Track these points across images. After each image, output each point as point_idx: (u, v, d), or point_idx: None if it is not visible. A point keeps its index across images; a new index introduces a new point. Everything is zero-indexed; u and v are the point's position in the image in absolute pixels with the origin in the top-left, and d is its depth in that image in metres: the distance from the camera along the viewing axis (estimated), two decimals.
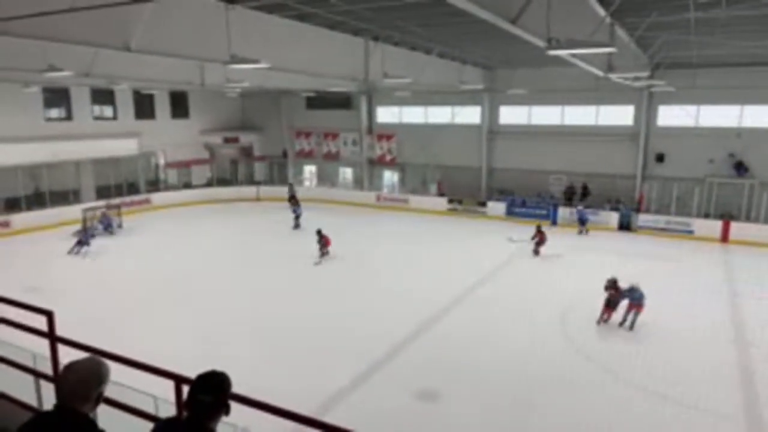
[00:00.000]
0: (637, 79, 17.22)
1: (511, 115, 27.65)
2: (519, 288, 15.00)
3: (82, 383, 2.32)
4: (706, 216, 22.79)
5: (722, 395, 9.20)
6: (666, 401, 8.93)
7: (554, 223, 23.84)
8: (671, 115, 24.14)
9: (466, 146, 28.57)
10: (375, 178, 32.06)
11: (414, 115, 30.17)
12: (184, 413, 2.49)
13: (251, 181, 32.01)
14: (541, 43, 8.22)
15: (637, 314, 11.98)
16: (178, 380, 3.06)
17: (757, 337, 11.72)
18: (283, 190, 29.14)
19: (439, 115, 29.50)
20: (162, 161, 29.86)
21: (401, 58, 18.29)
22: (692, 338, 11.60)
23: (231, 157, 32.99)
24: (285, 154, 33.81)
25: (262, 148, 34.28)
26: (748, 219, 22.34)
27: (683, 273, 16.55)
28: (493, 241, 20.72)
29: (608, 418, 8.50)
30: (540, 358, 10.50)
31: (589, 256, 18.55)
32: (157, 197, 27.32)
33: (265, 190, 29.93)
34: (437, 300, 13.75)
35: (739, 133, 22.81)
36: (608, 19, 11.86)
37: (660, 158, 24.35)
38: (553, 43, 7.90)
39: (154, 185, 29.22)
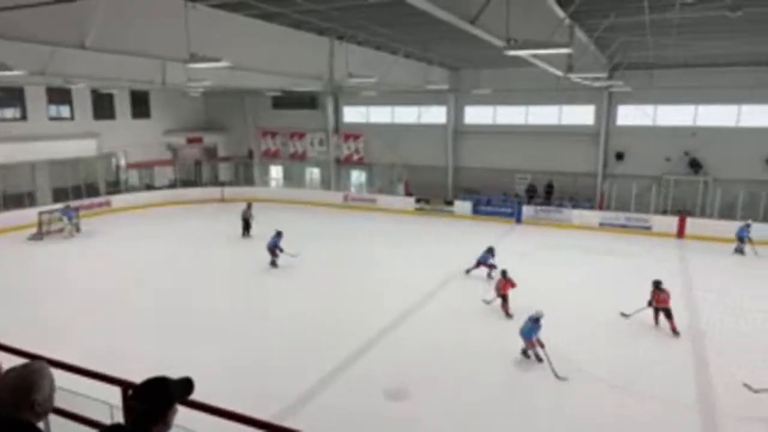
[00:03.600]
0: (596, 79, 17.65)
1: (476, 114, 28.00)
2: (487, 286, 15.16)
3: (11, 391, 2.23)
4: (664, 212, 23.55)
5: (679, 385, 9.51)
6: (628, 393, 9.18)
7: (518, 221, 24.23)
8: (630, 115, 24.87)
9: (433, 146, 28.80)
10: (342, 178, 31.99)
11: (381, 114, 30.23)
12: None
13: (216, 182, 31.50)
14: (500, 44, 8.34)
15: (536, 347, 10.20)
16: (125, 386, 2.98)
17: (710, 328, 12.16)
18: (248, 191, 28.83)
19: (406, 114, 29.64)
20: (123, 162, 29.09)
21: (366, 57, 18.29)
22: (650, 330, 11.95)
23: (194, 157, 32.39)
24: (250, 155, 33.40)
25: (226, 149, 33.76)
26: (702, 214, 23.19)
27: (642, 267, 17.02)
28: (461, 240, 20.94)
29: (577, 412, 8.69)
30: (508, 355, 10.64)
31: (553, 253, 18.93)
32: (118, 199, 26.60)
33: (230, 191, 29.49)
34: (407, 298, 13.81)
35: (693, 132, 23.66)
36: (567, 21, 12.12)
37: (619, 156, 25.07)
38: (512, 43, 8.02)
39: (115, 187, 28.44)
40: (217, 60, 10.52)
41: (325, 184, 31.78)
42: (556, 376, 9.67)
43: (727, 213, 22.59)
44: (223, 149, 33.74)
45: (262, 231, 20.69)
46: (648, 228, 22.30)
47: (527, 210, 24.44)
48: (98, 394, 3.73)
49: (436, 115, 28.82)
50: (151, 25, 10.89)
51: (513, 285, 13.06)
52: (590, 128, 25.49)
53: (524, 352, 10.45)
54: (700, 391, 9.37)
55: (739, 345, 11.21)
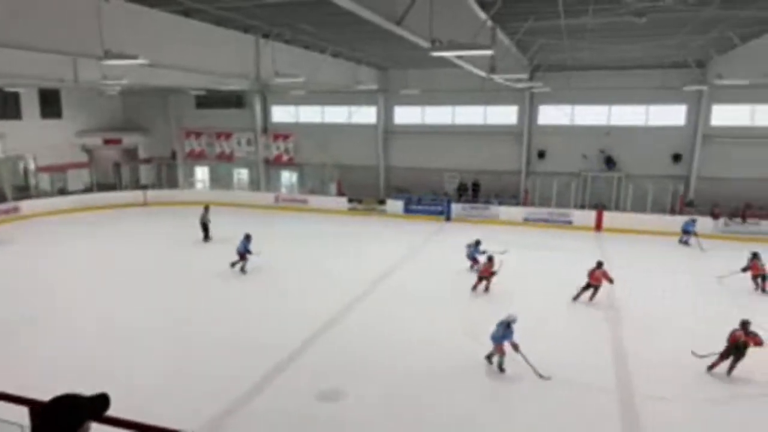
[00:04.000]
0: (518, 80, 18.36)
1: (405, 115, 28.37)
2: (419, 283, 15.39)
3: None
4: (582, 207, 24.88)
5: (599, 369, 10.06)
6: (553, 380, 9.58)
7: (449, 218, 24.78)
8: (550, 115, 26.08)
9: (364, 146, 28.89)
10: (272, 179, 31.41)
11: (311, 114, 29.96)
12: None
13: (137, 185, 30.00)
14: (425, 45, 8.48)
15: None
16: (33, 406, 2.76)
17: (628, 315, 12.96)
18: (172, 194, 27.73)
19: (337, 114, 29.55)
20: (32, 165, 27.07)
21: (294, 56, 18.04)
22: (572, 318, 12.58)
23: (113, 159, 30.69)
24: (174, 156, 32.08)
25: (148, 150, 32.24)
26: (617, 208, 24.70)
27: (564, 260, 17.88)
28: (393, 238, 21.14)
29: (508, 404, 8.99)
30: (440, 352, 10.83)
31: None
32: (28, 205, 24.69)
33: (153, 194, 28.16)
34: (339, 298, 13.75)
35: (608, 130, 25.16)
36: (489, 23, 12.51)
37: (541, 155, 26.23)
38: (436, 44, 8.17)
39: (24, 192, 26.40)
40: (134, 57, 10.02)
41: (255, 185, 31.07)
42: (540, 375, 9.44)
43: (639, 206, 24.21)
44: (144, 150, 32.18)
45: (198, 234, 20.01)
46: (569, 222, 23.45)
47: (456, 207, 25.05)
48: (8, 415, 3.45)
49: (366, 115, 28.92)
50: (61, 18, 10.17)
51: (492, 270, 14.28)
52: (513, 128, 26.49)
53: (488, 358, 10.05)
54: (620, 376, 9.95)
55: (653, 326, 12.02)
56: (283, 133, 30.37)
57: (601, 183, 25.58)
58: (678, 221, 21.19)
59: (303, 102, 29.18)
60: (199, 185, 32.11)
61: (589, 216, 23.33)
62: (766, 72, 14.66)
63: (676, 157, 24.42)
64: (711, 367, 9.95)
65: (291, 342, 11.07)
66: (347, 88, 23.19)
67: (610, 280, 13.47)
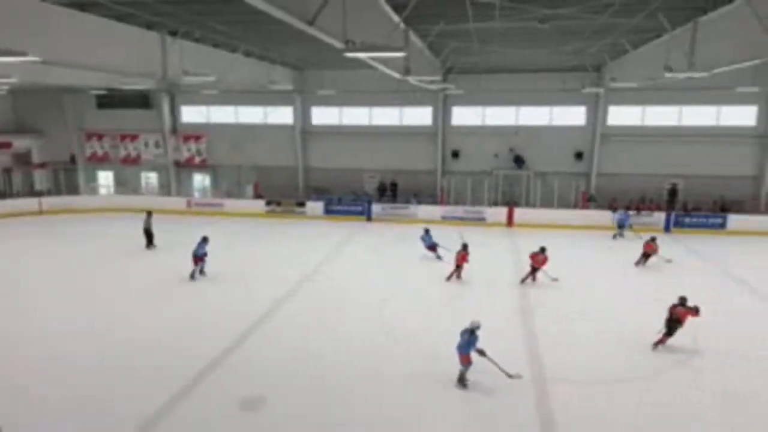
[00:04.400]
0: (432, 82, 18.79)
1: (323, 115, 28.18)
2: (339, 284, 15.33)
3: None
4: (495, 204, 25.93)
5: (512, 354, 10.48)
6: (472, 370, 9.87)
7: (369, 218, 24.92)
8: (463, 116, 26.95)
9: (281, 146, 28.39)
10: (184, 183, 30.07)
11: (224, 114, 28.99)
12: None
13: (31, 192, 27.60)
14: (339, 45, 8.45)
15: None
16: None
17: (539, 302, 13.63)
18: (72, 200, 25.81)
19: (251, 114, 28.80)
20: None
21: (204, 55, 17.39)
22: (486, 309, 13.03)
23: (2, 165, 28.02)
24: (73, 160, 29.84)
25: (43, 154, 29.72)
26: (527, 204, 25.98)
27: (480, 255, 18.53)
28: (315, 239, 20.93)
29: (431, 398, 9.13)
30: (359, 352, 10.84)
31: (403, 246, 19.77)
32: None
33: (50, 201, 26.03)
34: (261, 303, 13.40)
35: (516, 130, 26.37)
36: (402, 26, 12.69)
37: (456, 154, 27.06)
38: (350, 45, 8.16)
39: None
40: (23, 54, 9.16)
41: (165, 189, 29.60)
42: (509, 375, 9.20)
43: (546, 202, 25.62)
44: (38, 155, 29.64)
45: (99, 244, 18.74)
46: (483, 219, 24.35)
47: (377, 207, 25.23)
48: None
49: (282, 115, 28.42)
50: None
51: (467, 259, 15.23)
52: (429, 128, 27.12)
53: (461, 380, 9.34)
54: (532, 357, 10.44)
55: (568, 315, 12.73)
56: (194, 134, 29.14)
57: (511, 180, 26.81)
58: (584, 215, 22.70)
59: (215, 102, 28.18)
60: (102, 190, 30.09)
61: (501, 213, 24.35)
62: (654, 76, 15.98)
63: (579, 155, 26.07)
64: (656, 344, 10.74)
65: (212, 349, 10.67)
66: (262, 88, 22.66)
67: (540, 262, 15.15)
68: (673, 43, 13.85)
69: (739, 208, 23.94)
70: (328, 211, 25.44)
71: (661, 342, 10.77)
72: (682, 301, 10.75)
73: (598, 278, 16.17)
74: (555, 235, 21.80)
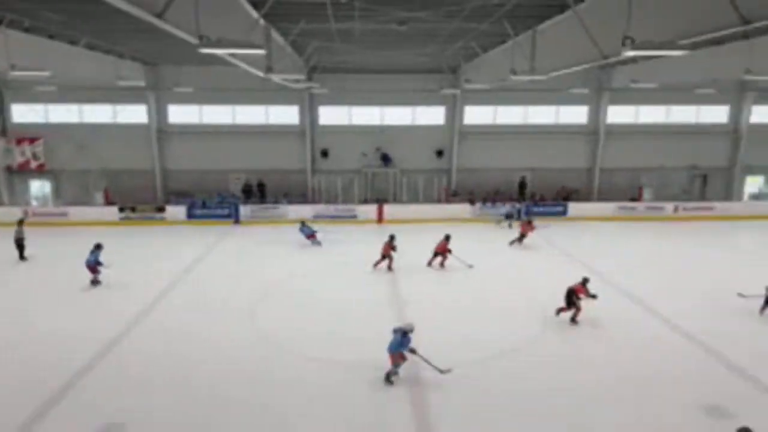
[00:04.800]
0: (296, 81, 18.59)
1: (181, 114, 26.57)
2: (206, 291, 14.56)
3: None
4: (365, 202, 26.45)
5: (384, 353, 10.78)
6: (339, 366, 9.97)
7: (237, 221, 24.02)
8: (330, 115, 27.07)
9: (135, 148, 26.27)
10: (18, 191, 26.56)
11: (65, 113, 26.06)
12: None
13: None
14: (192, 40, 7.99)
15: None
16: None
17: (413, 297, 14.10)
18: None
19: (99, 113, 26.22)
20: None
21: (36, 47, 15.48)
22: (359, 308, 13.25)
23: None
24: None
25: None
26: (395, 201, 26.86)
27: (354, 250, 18.78)
28: (177, 246, 19.68)
29: (298, 401, 9.02)
30: (231, 358, 10.41)
31: (274, 248, 19.35)
32: None
33: None
34: (119, 318, 12.25)
35: (382, 130, 27.11)
36: (262, 22, 12.38)
37: (325, 153, 27.12)
38: (204, 40, 7.76)
39: None
40: None
41: None
42: (441, 371, 9.33)
43: (413, 198, 26.72)
44: None
45: None
46: (354, 216, 24.70)
47: (245, 209, 24.40)
48: None
49: (135, 114, 26.27)
50: None
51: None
52: (296, 127, 26.83)
53: (388, 377, 9.42)
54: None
55: (434, 311, 13.32)
56: (28, 135, 25.84)
57: (380, 178, 27.51)
58: (448, 208, 24.00)
59: (54, 99, 25.25)
60: None
61: (371, 210, 24.88)
62: (502, 78, 17.34)
63: (440, 153, 27.52)
64: (558, 312, 12.34)
65: (64, 368, 9.61)
66: (109, 85, 20.74)
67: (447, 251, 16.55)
68: (516, 49, 15.14)
69: (577, 196, 26.98)
70: (192, 216, 24.06)
71: (563, 310, 12.29)
72: (584, 281, 12.19)
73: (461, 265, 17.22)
74: (422, 229, 22.81)
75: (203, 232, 22.07)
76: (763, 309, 12.72)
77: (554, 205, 25.62)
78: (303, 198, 26.67)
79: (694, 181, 28.09)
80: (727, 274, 15.92)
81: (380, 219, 24.57)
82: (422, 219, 24.07)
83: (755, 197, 28.37)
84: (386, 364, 9.44)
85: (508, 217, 23.21)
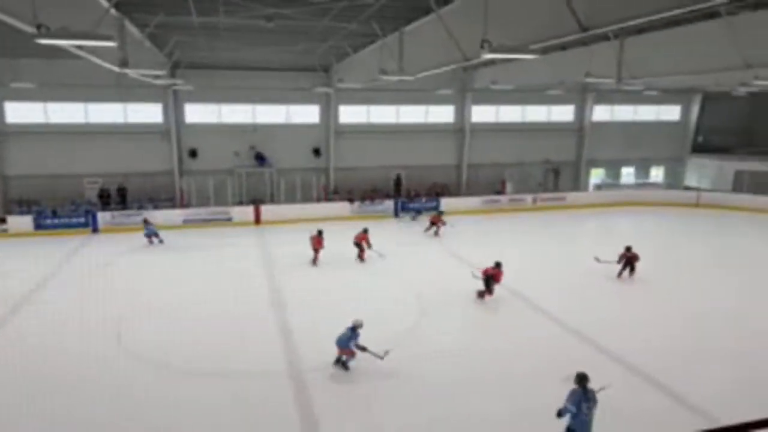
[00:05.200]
0: (157, 77, 17.34)
1: (21, 112, 23.52)
2: (62, 309, 13.04)
3: None
4: (240, 203, 25.50)
5: (268, 355, 10.48)
6: (217, 376, 9.53)
7: (95, 230, 21.89)
8: (198, 113, 25.67)
9: None
10: None
11: None
12: None
13: None
14: (28, 29, 7.06)
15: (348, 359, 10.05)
16: None
17: (295, 301, 13.83)
18: None
19: None
20: None
21: None
22: (240, 311, 12.75)
23: None
24: None
25: None
26: (272, 201, 26.21)
27: (228, 254, 17.99)
28: (22, 262, 17.43)
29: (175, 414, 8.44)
30: (94, 379, 9.46)
31: (136, 257, 17.94)
32: None
33: None
34: None
35: (255, 128, 26.29)
36: (114, 12, 11.38)
37: (193, 153, 25.67)
38: (43, 30, 6.89)
39: None
40: None
41: None
42: (381, 357, 9.72)
43: (291, 198, 26.26)
44: None
45: None
46: (229, 219, 23.71)
47: (103, 217, 22.28)
48: None
49: None
50: None
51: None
52: (160, 126, 25.05)
53: (338, 361, 9.98)
54: (289, 355, 10.58)
55: (316, 317, 13.18)
56: None
57: (255, 178, 26.64)
58: (327, 207, 24.02)
59: None
60: None
61: (247, 211, 24.06)
62: (373, 78, 17.62)
63: (316, 151, 27.36)
64: (480, 295, 13.52)
65: None
66: None
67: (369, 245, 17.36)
68: (385, 49, 15.46)
69: (448, 192, 28.39)
70: (41, 227, 21.46)
71: (488, 293, 13.51)
72: (497, 264, 13.52)
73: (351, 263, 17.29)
74: (301, 229, 22.54)
75: (56, 244, 19.80)
76: (619, 273, 15.34)
77: (428, 200, 26.70)
78: (171, 202, 25.01)
79: (548, 174, 30.89)
80: (580, 254, 17.71)
81: (257, 220, 23.86)
82: (301, 219, 23.79)
83: (598, 187, 31.90)
84: (261, 374, 9.16)
85: (417, 212, 24.93)
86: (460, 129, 29.08)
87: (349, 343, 9.70)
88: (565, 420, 7.12)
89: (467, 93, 28.26)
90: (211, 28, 14.71)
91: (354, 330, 9.79)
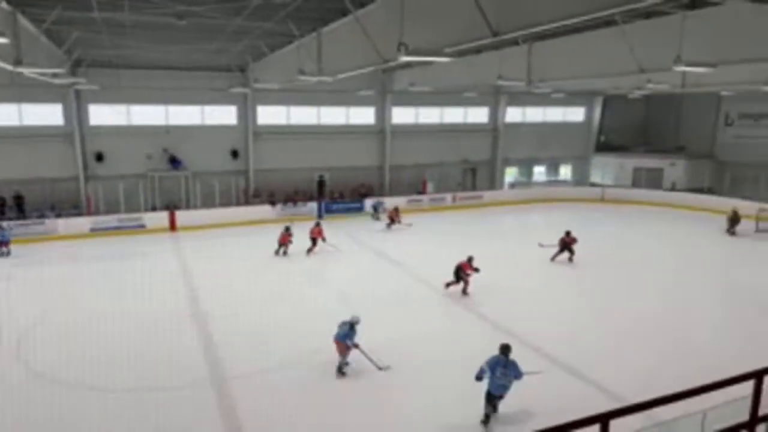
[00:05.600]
0: (55, 75, 16.12)
1: None
2: None
3: None
4: (154, 209, 24.26)
5: (189, 367, 10.05)
6: (136, 391, 9.03)
7: None
8: (104, 114, 24.12)
9: None
10: None
11: None
12: None
13: None
14: None
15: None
16: None
17: (216, 309, 13.31)
18: None
19: None
20: None
21: None
22: (158, 321, 12.12)
23: None
24: None
25: None
26: (188, 206, 25.17)
27: (141, 265, 17.06)
28: None
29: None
30: None
31: (39, 269, 16.59)
32: None
33: None
34: None
35: (168, 130, 25.10)
36: (5, 6, 10.49)
37: (100, 157, 24.10)
38: None
39: None
40: None
41: None
42: (379, 368, 9.82)
43: (209, 202, 25.33)
44: None
45: None
46: (142, 226, 22.50)
47: None
48: None
49: None
50: None
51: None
52: (60, 129, 23.27)
53: (339, 368, 9.87)
54: (214, 367, 10.21)
55: (239, 326, 12.72)
56: None
57: (169, 182, 25.44)
58: (248, 211, 23.50)
59: None
60: None
61: (162, 217, 22.95)
62: (292, 78, 17.34)
63: (235, 154, 26.56)
64: (447, 285, 14.18)
65: None
66: None
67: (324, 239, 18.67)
68: (303, 49, 15.31)
69: (372, 192, 28.57)
70: None
71: (451, 284, 14.15)
72: (469, 258, 14.13)
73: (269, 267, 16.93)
74: (221, 234, 21.84)
75: None
76: (554, 257, 16.79)
77: (352, 201, 26.73)
78: (76, 210, 23.32)
79: (467, 174, 31.91)
80: (502, 247, 18.43)
81: (173, 227, 22.82)
82: (221, 224, 23.04)
83: (512, 185, 33.37)
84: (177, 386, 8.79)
85: (375, 210, 25.49)
86: (381, 130, 29.36)
87: (345, 338, 9.82)
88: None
89: (387, 95, 28.57)
90: (116, 25, 13.88)
91: (352, 327, 9.92)
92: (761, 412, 4.66)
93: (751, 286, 15.37)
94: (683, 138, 33.37)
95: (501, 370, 7.91)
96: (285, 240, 18.37)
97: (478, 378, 8.01)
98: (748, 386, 4.63)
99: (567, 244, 17.21)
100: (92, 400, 9.02)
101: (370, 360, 9.89)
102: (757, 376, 4.54)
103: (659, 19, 12.58)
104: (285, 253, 18.39)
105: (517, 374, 8.00)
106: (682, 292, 14.82)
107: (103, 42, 16.43)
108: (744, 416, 4.67)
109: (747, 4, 8.89)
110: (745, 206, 23.21)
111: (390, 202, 25.85)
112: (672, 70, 11.77)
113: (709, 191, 28.97)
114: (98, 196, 23.89)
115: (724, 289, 15.37)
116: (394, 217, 23.09)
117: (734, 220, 21.81)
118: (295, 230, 18.70)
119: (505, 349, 8.10)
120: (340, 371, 9.85)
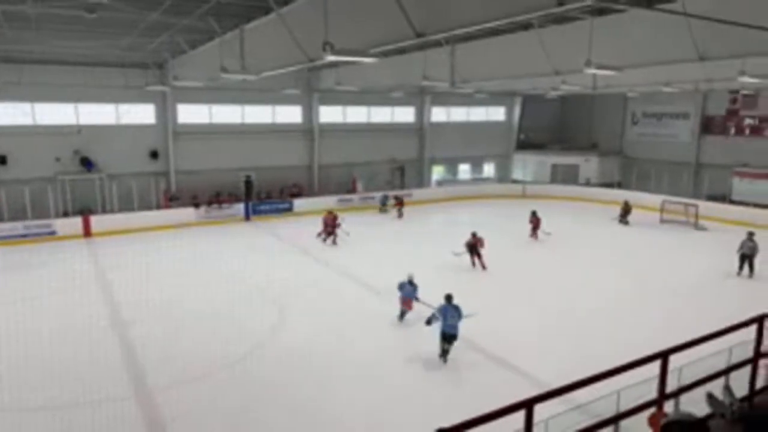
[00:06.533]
0: None
1: None
2: None
3: None
4: (66, 214, 22.71)
5: (111, 380, 9.53)
6: (50, 409, 8.47)
7: None
8: (4, 113, 22.27)
9: None
10: None
11: None
12: None
13: None
14: None
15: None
16: None
17: (138, 315, 12.66)
18: None
19: None
20: None
21: None
22: (72, 334, 11.38)
23: None
24: None
25: None
26: (104, 211, 23.74)
27: (53, 274, 15.93)
28: None
29: None
30: None
31: None
32: None
33: None
34: None
35: (79, 129, 23.55)
36: None
37: (2, 160, 22.22)
38: None
39: None
40: None
41: None
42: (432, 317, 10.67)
43: (126, 206, 24.00)
44: None
45: None
46: (53, 233, 21.02)
47: None
48: None
49: None
50: None
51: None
52: None
53: (402, 314, 12.10)
54: (136, 376, 9.72)
55: (161, 334, 12.21)
56: None
57: (82, 186, 23.86)
58: (168, 214, 22.52)
59: None
60: None
61: (75, 223, 21.55)
62: (214, 76, 16.77)
63: (154, 154, 25.34)
64: (473, 263, 16.62)
65: None
66: None
67: None
68: (225, 47, 14.85)
69: (301, 192, 28.24)
70: None
71: (476, 259, 16.69)
72: (473, 234, 16.78)
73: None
74: (140, 239, 20.83)
75: None
76: (473, 262, 17.13)
77: (280, 202, 26.31)
78: None
79: (395, 172, 32.27)
80: (432, 245, 18.80)
81: (87, 232, 21.47)
82: (140, 228, 21.95)
83: (439, 183, 34.13)
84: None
85: (383, 203, 27.49)
86: (309, 129, 29.08)
87: (412, 294, 11.77)
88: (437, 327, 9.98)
89: (314, 93, 28.33)
90: (20, 17, 12.85)
91: (411, 283, 11.87)
92: (668, 390, 5.07)
93: (652, 271, 16.70)
94: (596, 136, 35.55)
95: (451, 312, 9.92)
96: (333, 225, 20.09)
97: (428, 322, 10.18)
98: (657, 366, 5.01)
99: (472, 246, 16.96)
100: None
101: (430, 307, 10.93)
102: (663, 356, 4.92)
103: (571, 24, 13.29)
104: (334, 242, 20.03)
105: (461, 315, 9.92)
106: (595, 281, 15.81)
107: (4, 36, 15.17)
108: (653, 394, 5.06)
109: (647, 12, 9.60)
110: (652, 200, 25.36)
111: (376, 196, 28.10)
112: (584, 72, 12.46)
113: (619, 186, 31.00)
114: (1, 202, 22.04)
115: (630, 275, 16.54)
116: (400, 207, 25.93)
117: (626, 210, 24.12)
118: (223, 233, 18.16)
119: (448, 297, 10.17)
120: (402, 317, 12.03)
